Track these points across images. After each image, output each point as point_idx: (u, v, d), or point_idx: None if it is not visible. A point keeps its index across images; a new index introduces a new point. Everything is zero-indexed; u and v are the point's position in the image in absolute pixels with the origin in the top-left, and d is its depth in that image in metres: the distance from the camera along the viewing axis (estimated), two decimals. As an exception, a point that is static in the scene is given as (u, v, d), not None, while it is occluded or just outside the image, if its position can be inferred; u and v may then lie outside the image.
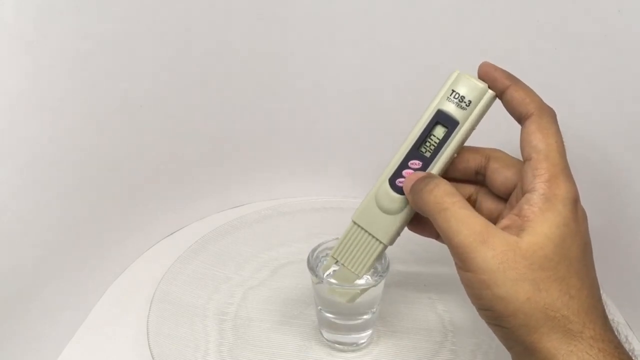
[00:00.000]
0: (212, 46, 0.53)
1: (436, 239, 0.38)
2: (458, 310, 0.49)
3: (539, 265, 0.29)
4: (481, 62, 0.35)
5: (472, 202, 0.37)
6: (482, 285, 0.29)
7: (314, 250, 0.44)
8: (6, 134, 0.38)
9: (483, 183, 0.37)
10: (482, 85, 0.34)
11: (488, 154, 0.36)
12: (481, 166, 0.36)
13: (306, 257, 0.43)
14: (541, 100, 0.33)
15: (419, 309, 0.49)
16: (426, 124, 0.36)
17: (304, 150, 0.62)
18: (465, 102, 0.35)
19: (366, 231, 0.38)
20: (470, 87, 0.35)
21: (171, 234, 0.60)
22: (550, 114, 0.32)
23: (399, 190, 0.37)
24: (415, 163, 0.36)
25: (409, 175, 0.36)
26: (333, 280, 0.44)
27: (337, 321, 0.44)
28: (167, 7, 0.49)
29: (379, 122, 0.59)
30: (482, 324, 0.48)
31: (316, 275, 0.42)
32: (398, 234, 0.38)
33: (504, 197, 0.35)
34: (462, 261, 0.30)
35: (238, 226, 0.59)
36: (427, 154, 0.36)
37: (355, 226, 0.39)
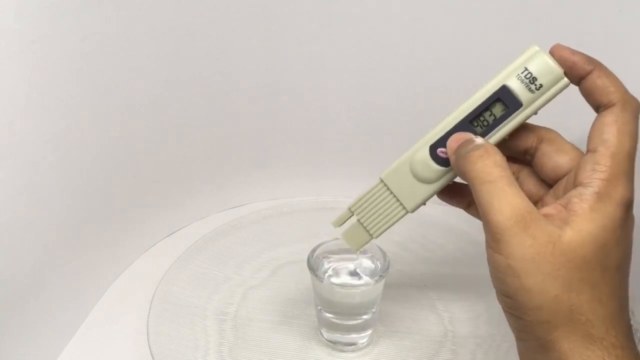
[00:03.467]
0: (212, 46, 0.53)
1: (465, 209, 0.36)
2: (458, 310, 0.49)
3: (576, 265, 0.27)
4: (554, 43, 0.31)
5: None
6: (510, 271, 0.28)
7: (314, 250, 0.44)
8: (6, 134, 0.38)
9: (529, 163, 0.34)
10: (559, 69, 0.31)
11: (541, 135, 0.33)
12: (532, 147, 0.33)
13: (306, 257, 0.43)
14: (626, 90, 0.30)
15: (419, 309, 0.49)
16: (486, 97, 0.32)
17: (304, 150, 0.62)
18: (535, 85, 0.31)
19: (392, 192, 0.36)
20: (547, 69, 0.31)
21: (171, 234, 0.60)
22: (634, 109, 0.29)
23: (438, 160, 0.34)
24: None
25: (457, 134, 0.32)
26: (335, 281, 0.44)
27: (337, 321, 0.44)
28: (167, 7, 0.49)
29: (379, 122, 0.58)
30: (483, 323, 0.48)
31: (316, 275, 0.42)
32: (424, 203, 0.36)
33: (550, 182, 0.33)
34: (496, 242, 0.28)
35: (238, 226, 0.59)
36: (478, 130, 0.33)
37: (382, 184, 0.36)
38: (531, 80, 0.31)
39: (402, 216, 0.36)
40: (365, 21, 0.53)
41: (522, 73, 0.31)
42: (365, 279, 0.44)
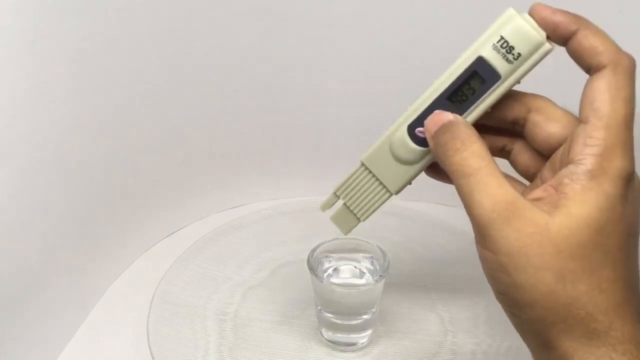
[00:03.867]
0: (212, 46, 0.53)
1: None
2: (458, 310, 0.49)
3: (569, 253, 0.25)
4: (534, 3, 0.28)
5: (506, 154, 0.32)
6: (500, 267, 0.26)
7: (313, 250, 0.44)
8: (6, 134, 0.38)
9: (521, 134, 0.31)
10: (538, 36, 0.28)
11: (529, 103, 0.30)
12: (520, 117, 0.30)
13: (306, 257, 0.43)
14: (617, 48, 0.27)
15: (419, 309, 0.49)
16: (462, 71, 0.30)
17: (304, 150, 0.62)
18: (513, 55, 0.29)
19: (374, 175, 0.34)
20: (524, 36, 0.28)
21: (171, 234, 0.60)
22: (627, 69, 0.26)
23: (417, 140, 0.32)
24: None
25: (434, 116, 0.30)
26: (335, 281, 0.44)
27: (337, 321, 0.44)
28: (167, 6, 0.49)
29: (379, 122, 0.58)
30: (482, 323, 0.48)
31: (316, 275, 0.42)
32: (408, 184, 0.34)
33: (545, 153, 0.30)
34: (482, 237, 0.26)
35: (238, 226, 0.59)
36: (457, 106, 0.30)
37: (363, 168, 0.35)
38: (508, 50, 0.29)
39: (387, 199, 0.35)
40: (366, 21, 0.53)
41: (497, 42, 0.29)
42: (366, 279, 0.44)
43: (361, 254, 0.45)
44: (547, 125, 0.29)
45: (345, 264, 0.46)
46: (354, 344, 0.45)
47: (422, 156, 0.32)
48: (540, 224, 0.25)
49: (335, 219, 0.37)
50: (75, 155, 0.45)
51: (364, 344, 0.46)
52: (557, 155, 0.29)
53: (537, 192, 0.27)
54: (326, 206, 0.37)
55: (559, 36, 0.28)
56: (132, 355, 0.46)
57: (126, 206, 0.53)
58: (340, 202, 0.37)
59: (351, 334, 0.45)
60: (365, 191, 0.35)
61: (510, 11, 0.29)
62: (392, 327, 0.47)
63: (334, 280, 0.44)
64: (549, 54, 0.29)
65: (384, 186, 0.34)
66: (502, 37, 0.29)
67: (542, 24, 0.28)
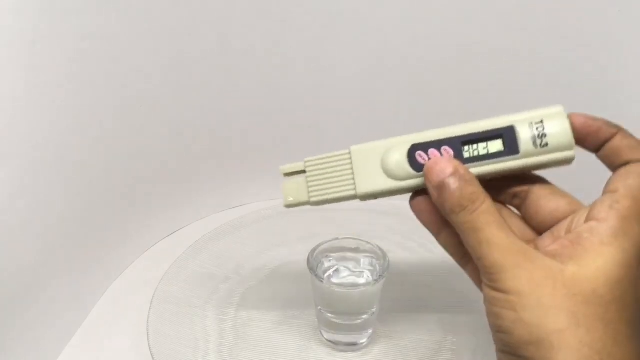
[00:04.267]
0: (212, 46, 0.53)
1: (460, 261, 0.34)
2: (458, 311, 0.49)
3: (584, 298, 0.24)
4: (572, 113, 0.30)
5: None
6: (507, 304, 0.25)
7: (314, 250, 0.44)
8: (6, 134, 0.38)
9: (518, 207, 0.32)
10: (572, 140, 0.29)
11: (532, 179, 0.31)
12: (523, 190, 0.31)
13: (306, 257, 0.43)
14: None
15: (419, 309, 0.49)
16: (489, 128, 0.30)
17: (304, 150, 0.62)
18: (542, 141, 0.29)
19: (351, 168, 0.33)
20: (561, 132, 0.29)
21: (171, 234, 0.60)
22: None
23: (413, 162, 0.31)
24: (448, 151, 0.31)
25: (445, 159, 0.30)
26: (335, 281, 0.44)
27: (337, 321, 0.44)
28: (167, 6, 0.49)
29: (379, 123, 0.58)
30: (483, 324, 0.48)
31: (316, 275, 0.42)
32: (377, 197, 0.33)
33: (541, 228, 0.31)
34: (492, 281, 0.26)
35: (238, 226, 0.59)
36: (465, 155, 0.30)
37: (347, 155, 0.33)
38: (540, 135, 0.29)
39: (349, 197, 0.33)
40: (367, 21, 0.53)
41: (535, 123, 0.30)
42: (365, 279, 0.44)
43: (361, 254, 0.45)
44: (555, 199, 0.30)
45: (345, 264, 0.46)
46: (354, 344, 0.45)
47: (407, 178, 0.31)
48: (554, 269, 0.25)
49: (287, 187, 0.35)
50: (75, 155, 0.45)
51: (364, 344, 0.46)
52: (562, 226, 0.29)
53: (551, 247, 0.27)
54: (288, 170, 0.35)
55: (601, 137, 0.29)
56: (132, 355, 0.46)
57: (126, 206, 0.53)
58: (302, 176, 0.34)
59: (351, 334, 0.45)
60: (334, 177, 0.33)
61: (560, 107, 0.30)
62: (392, 327, 0.47)
63: (334, 280, 0.44)
64: (567, 164, 0.30)
65: (354, 182, 0.33)
66: (542, 122, 0.30)
67: (584, 127, 0.29)
